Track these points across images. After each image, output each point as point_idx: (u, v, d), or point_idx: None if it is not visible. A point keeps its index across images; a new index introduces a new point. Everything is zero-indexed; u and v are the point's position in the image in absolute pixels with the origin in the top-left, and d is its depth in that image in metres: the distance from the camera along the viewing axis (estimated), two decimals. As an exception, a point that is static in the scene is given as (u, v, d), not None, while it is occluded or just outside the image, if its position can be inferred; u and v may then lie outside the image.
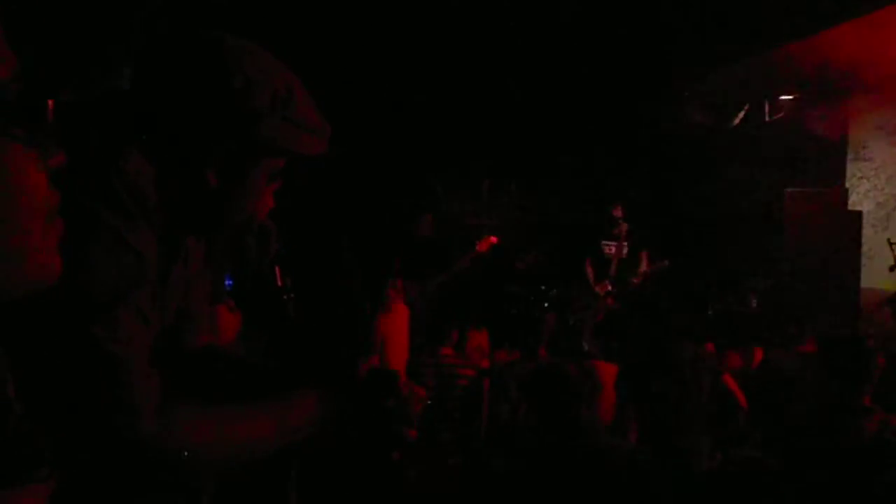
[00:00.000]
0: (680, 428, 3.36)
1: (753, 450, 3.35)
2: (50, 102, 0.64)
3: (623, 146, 7.24)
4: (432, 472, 2.83)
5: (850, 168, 6.99)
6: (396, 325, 3.57)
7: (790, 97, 7.02)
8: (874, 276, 6.58)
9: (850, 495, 2.66)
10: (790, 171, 7.04)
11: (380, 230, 3.67)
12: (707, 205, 7.24)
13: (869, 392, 2.82)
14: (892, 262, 6.20)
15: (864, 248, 6.62)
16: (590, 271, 6.36)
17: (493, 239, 5.11)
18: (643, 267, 6.40)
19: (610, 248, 6.53)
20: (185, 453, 1.02)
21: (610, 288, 6.06)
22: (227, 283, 2.46)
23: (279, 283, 2.45)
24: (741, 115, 7.18)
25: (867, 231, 6.68)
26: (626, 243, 6.50)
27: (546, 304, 4.87)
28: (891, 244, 6.25)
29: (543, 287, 5.69)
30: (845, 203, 6.69)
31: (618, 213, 6.53)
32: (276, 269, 2.46)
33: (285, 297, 2.43)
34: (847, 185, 6.91)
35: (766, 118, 7.19)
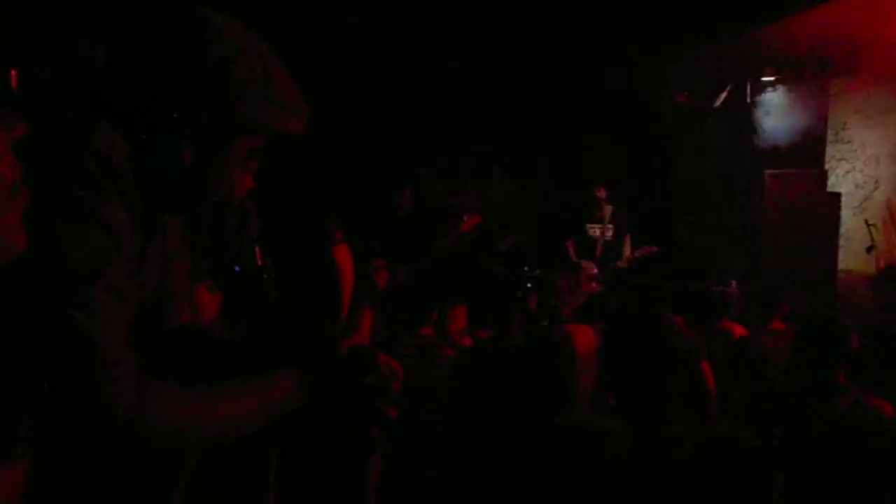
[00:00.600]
0: (657, 408, 3.39)
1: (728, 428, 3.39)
2: (13, 73, 0.63)
3: (604, 126, 7.25)
4: (413, 453, 2.84)
5: (830, 150, 7.04)
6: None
7: (771, 79, 7.05)
8: (851, 258, 6.65)
9: (825, 473, 2.71)
10: (771, 153, 7.09)
11: (360, 207, 3.65)
12: (689, 185, 7.29)
13: (844, 370, 2.87)
14: (869, 244, 6.28)
15: (842, 230, 6.70)
16: (571, 252, 6.38)
17: (477, 218, 5.10)
18: (627, 252, 6.42)
19: (594, 230, 6.55)
20: (163, 432, 1.01)
21: (595, 271, 6.09)
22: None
23: (259, 263, 2.44)
24: (723, 96, 7.20)
25: (845, 212, 6.75)
26: (610, 225, 6.52)
27: (528, 285, 4.88)
28: (868, 226, 6.32)
29: (526, 268, 5.70)
30: (825, 185, 6.75)
31: (601, 194, 6.54)
32: (257, 248, 2.45)
33: (265, 276, 2.42)
34: (826, 167, 6.96)
35: (748, 100, 7.22)
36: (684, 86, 7.16)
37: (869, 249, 6.30)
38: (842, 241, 6.65)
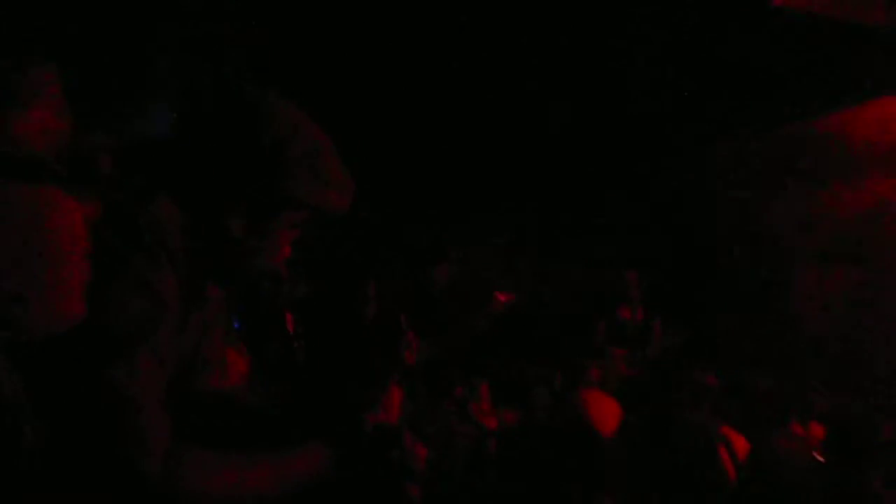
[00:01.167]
0: (663, 494, 3.33)
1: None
2: (108, 160, 0.69)
3: (640, 208, 7.28)
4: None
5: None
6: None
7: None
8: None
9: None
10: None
11: (395, 282, 3.69)
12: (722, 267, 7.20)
13: (880, 476, 2.77)
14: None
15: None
16: (601, 335, 6.33)
17: (510, 296, 5.11)
18: (657, 339, 6.35)
19: (625, 312, 6.51)
20: (192, 495, 1.02)
21: (625, 353, 6.02)
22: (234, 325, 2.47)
23: (290, 330, 2.48)
24: None
25: None
26: (640, 307, 6.48)
27: (554, 367, 4.83)
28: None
29: (551, 349, 5.66)
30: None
31: (632, 276, 6.53)
32: (288, 315, 2.48)
33: (295, 344, 2.45)
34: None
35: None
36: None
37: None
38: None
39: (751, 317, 6.89)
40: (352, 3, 4.00)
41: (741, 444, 3.77)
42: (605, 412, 3.98)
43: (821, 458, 3.08)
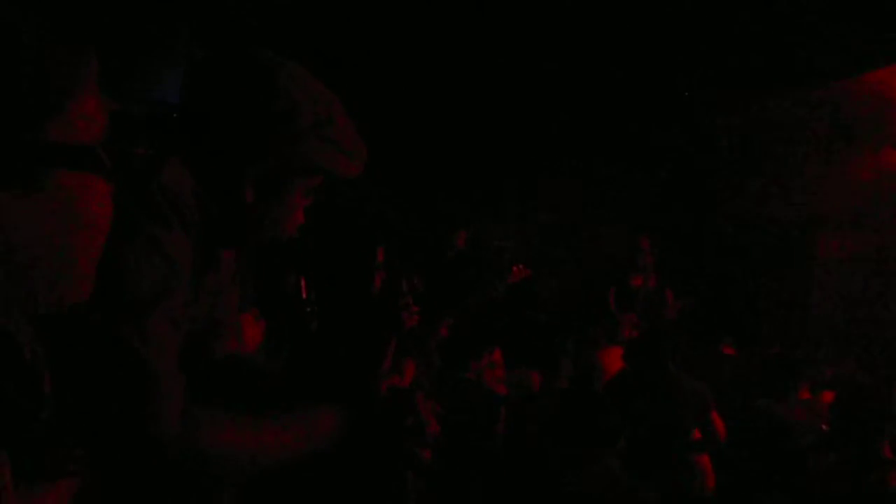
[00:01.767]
0: (661, 453, 3.40)
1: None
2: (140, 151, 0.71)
3: (655, 173, 7.23)
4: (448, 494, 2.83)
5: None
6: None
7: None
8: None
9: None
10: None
11: (412, 245, 3.71)
12: (739, 235, 7.16)
13: (887, 442, 2.78)
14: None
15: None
16: (612, 303, 6.34)
17: (527, 271, 5.13)
18: (669, 307, 6.35)
19: (637, 279, 6.51)
20: (208, 458, 1.04)
21: (636, 321, 6.03)
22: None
23: (304, 295, 2.48)
24: None
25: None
26: (652, 275, 6.47)
27: (566, 333, 4.86)
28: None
29: (564, 316, 5.68)
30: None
31: (644, 244, 6.51)
32: (302, 280, 2.49)
33: (309, 309, 2.46)
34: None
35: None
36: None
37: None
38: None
39: (763, 287, 6.87)
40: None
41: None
42: (612, 359, 4.05)
43: (824, 427, 3.10)
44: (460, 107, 6.13)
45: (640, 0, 4.77)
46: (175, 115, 1.16)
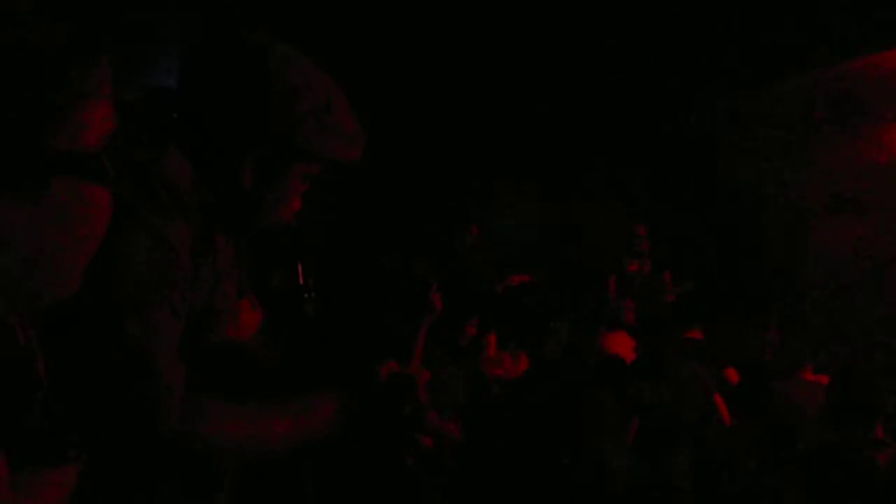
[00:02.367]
0: (665, 439, 3.41)
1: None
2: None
3: (655, 160, 7.22)
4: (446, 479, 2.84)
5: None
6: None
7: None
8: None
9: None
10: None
11: (422, 239, 3.72)
12: (734, 218, 7.17)
13: (881, 424, 2.81)
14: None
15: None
16: (612, 290, 6.36)
17: (526, 277, 5.17)
18: (668, 291, 6.38)
19: (633, 265, 6.53)
20: (208, 444, 1.04)
21: (632, 306, 6.06)
22: None
23: (301, 282, 2.48)
24: None
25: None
26: (648, 260, 6.50)
27: (556, 315, 4.87)
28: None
29: (558, 298, 5.69)
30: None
31: (641, 231, 6.53)
32: (299, 266, 2.49)
33: (306, 294, 2.45)
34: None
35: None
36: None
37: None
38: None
39: (760, 272, 6.89)
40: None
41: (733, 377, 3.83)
42: (610, 345, 4.07)
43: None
44: (460, 102, 6.11)
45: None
46: (171, 100, 1.15)
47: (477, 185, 6.69)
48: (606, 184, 7.43)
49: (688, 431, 3.62)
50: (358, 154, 1.22)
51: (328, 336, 2.00)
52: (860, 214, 6.31)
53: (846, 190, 6.39)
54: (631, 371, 3.66)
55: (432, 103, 6.02)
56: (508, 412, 3.27)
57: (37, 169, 0.62)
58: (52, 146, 0.62)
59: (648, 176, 7.30)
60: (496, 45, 5.45)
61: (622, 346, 4.21)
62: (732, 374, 4.13)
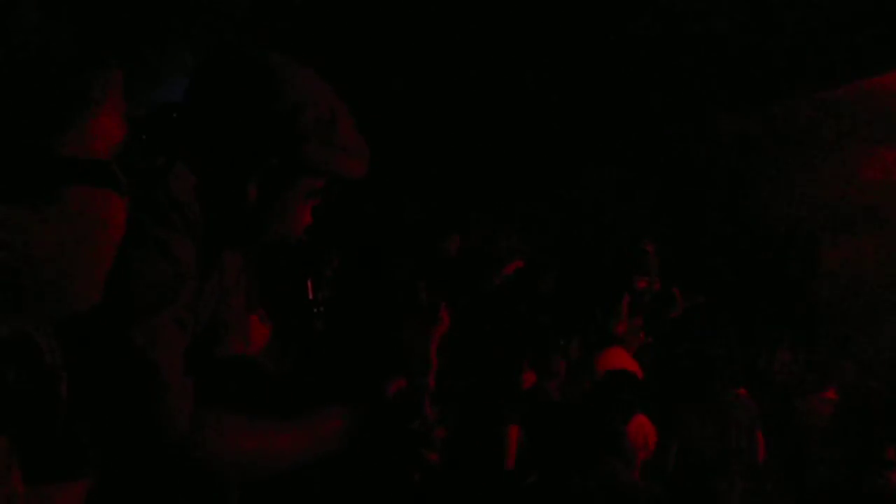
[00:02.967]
0: (715, 471, 3.37)
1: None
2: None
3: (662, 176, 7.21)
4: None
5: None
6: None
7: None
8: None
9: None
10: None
11: (407, 248, 3.71)
12: (744, 237, 7.14)
13: (892, 445, 2.79)
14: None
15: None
16: (624, 308, 6.32)
17: (519, 262, 5.11)
18: (679, 306, 6.34)
19: (643, 282, 6.49)
20: (216, 459, 1.04)
21: (642, 323, 6.02)
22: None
23: (310, 297, 2.49)
24: None
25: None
26: (657, 278, 6.46)
27: (567, 334, 4.83)
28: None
29: (566, 315, 5.66)
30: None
31: (650, 248, 6.50)
32: (309, 282, 2.50)
33: (315, 310, 2.46)
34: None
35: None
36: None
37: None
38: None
39: (768, 291, 6.85)
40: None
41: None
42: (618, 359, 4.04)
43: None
44: (463, 110, 6.12)
45: (644, 1, 4.77)
46: (177, 114, 1.16)
47: (485, 199, 6.68)
48: (615, 198, 7.42)
49: (735, 459, 3.56)
50: (363, 170, 1.22)
51: (337, 350, 2.00)
52: (873, 232, 6.28)
53: (859, 208, 6.36)
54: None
55: (438, 115, 6.04)
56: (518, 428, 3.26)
57: (49, 177, 0.63)
58: (62, 153, 0.63)
59: (657, 193, 7.29)
60: (503, 58, 5.47)
61: (620, 361, 4.19)
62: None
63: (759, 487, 3.47)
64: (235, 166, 1.13)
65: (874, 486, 2.75)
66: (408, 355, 2.51)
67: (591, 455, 2.54)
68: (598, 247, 7.40)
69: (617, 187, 7.31)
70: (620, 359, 4.26)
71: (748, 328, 6.03)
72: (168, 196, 1.05)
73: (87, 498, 0.79)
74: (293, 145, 1.13)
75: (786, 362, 4.38)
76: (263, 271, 2.48)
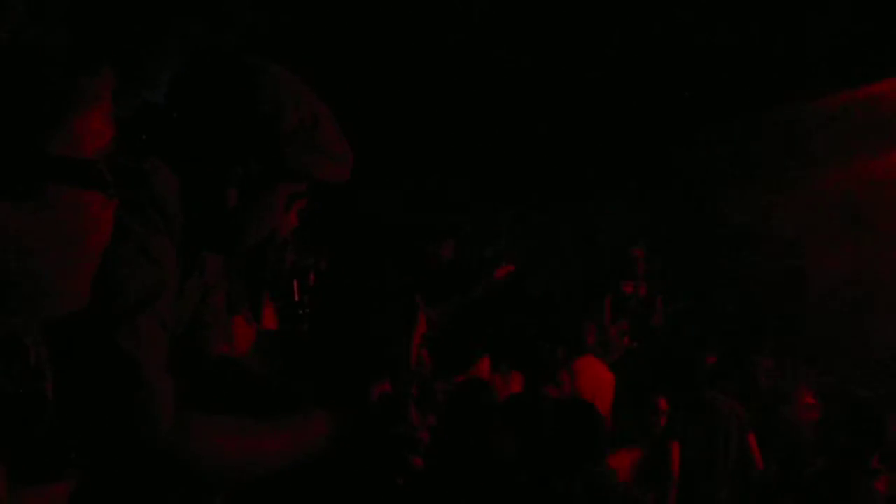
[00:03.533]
0: (708, 476, 3.40)
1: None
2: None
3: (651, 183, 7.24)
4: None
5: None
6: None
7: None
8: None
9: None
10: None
11: (402, 253, 3.71)
12: (727, 243, 7.19)
13: (877, 454, 2.81)
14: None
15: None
16: (608, 311, 6.34)
17: (510, 267, 5.12)
18: (658, 312, 6.37)
19: (629, 286, 6.51)
20: (200, 460, 1.03)
21: (627, 327, 6.05)
22: None
23: (296, 298, 2.48)
24: None
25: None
26: (644, 283, 6.49)
27: (554, 338, 4.85)
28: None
29: (552, 320, 5.67)
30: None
31: (639, 252, 6.52)
32: (295, 283, 2.49)
33: (300, 311, 2.45)
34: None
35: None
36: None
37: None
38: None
39: (759, 300, 6.89)
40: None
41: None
42: (602, 380, 4.06)
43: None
44: (456, 113, 6.13)
45: (641, 6, 4.79)
46: (159, 115, 1.15)
47: (476, 205, 6.69)
48: (604, 204, 7.45)
49: (722, 464, 3.57)
50: (346, 174, 1.22)
51: (322, 353, 1.99)
52: (856, 239, 6.33)
53: (842, 214, 6.41)
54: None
55: (431, 117, 6.05)
56: (502, 434, 3.25)
57: (37, 176, 0.62)
58: (50, 152, 0.62)
59: (648, 198, 7.32)
60: (500, 62, 5.48)
61: (593, 370, 4.22)
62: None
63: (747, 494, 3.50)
64: (216, 169, 1.13)
65: (859, 494, 2.77)
66: (393, 358, 2.51)
67: (579, 458, 2.55)
68: (585, 252, 7.42)
69: (608, 192, 7.33)
70: (593, 368, 4.31)
71: (731, 334, 6.07)
72: (148, 194, 1.05)
73: (70, 500, 0.78)
74: (274, 149, 1.12)
75: (769, 368, 4.40)
76: (249, 272, 2.47)
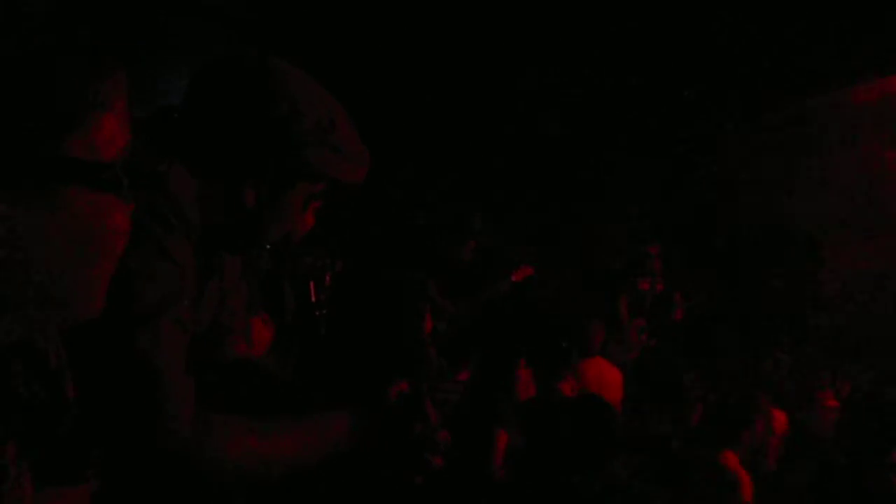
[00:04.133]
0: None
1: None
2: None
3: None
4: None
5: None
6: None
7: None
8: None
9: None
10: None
11: (421, 253, 3.72)
12: (745, 242, 7.13)
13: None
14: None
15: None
16: (624, 310, 6.31)
17: (529, 269, 5.10)
18: (677, 309, 6.33)
19: (644, 284, 6.48)
20: (219, 461, 1.04)
21: (644, 324, 6.02)
22: None
23: (313, 299, 2.48)
24: None
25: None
26: (660, 279, 6.45)
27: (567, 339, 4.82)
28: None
29: (565, 321, 5.65)
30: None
31: (654, 250, 6.49)
32: (311, 284, 2.49)
33: (318, 312, 2.45)
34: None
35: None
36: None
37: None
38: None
39: (773, 296, 6.83)
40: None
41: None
42: (609, 381, 4.05)
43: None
44: (470, 115, 6.12)
45: (649, 2, 4.77)
46: (176, 118, 1.16)
47: (486, 201, 6.68)
48: (619, 203, 7.41)
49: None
50: (362, 174, 1.22)
51: (340, 354, 2.00)
52: (875, 236, 6.27)
53: (861, 212, 6.35)
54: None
55: (448, 120, 6.05)
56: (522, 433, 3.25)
57: (54, 179, 0.62)
58: (66, 155, 0.62)
59: (660, 197, 7.28)
60: (511, 66, 5.48)
61: (598, 370, 4.20)
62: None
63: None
64: (234, 170, 1.13)
65: (878, 488, 2.75)
66: (410, 358, 2.51)
67: (591, 456, 2.54)
68: (592, 252, 7.39)
69: (614, 191, 7.30)
70: (597, 368, 4.29)
71: (752, 332, 6.03)
72: (166, 197, 1.05)
73: (91, 501, 0.79)
74: (291, 150, 1.13)
75: (788, 366, 4.37)
76: (266, 274, 2.47)
